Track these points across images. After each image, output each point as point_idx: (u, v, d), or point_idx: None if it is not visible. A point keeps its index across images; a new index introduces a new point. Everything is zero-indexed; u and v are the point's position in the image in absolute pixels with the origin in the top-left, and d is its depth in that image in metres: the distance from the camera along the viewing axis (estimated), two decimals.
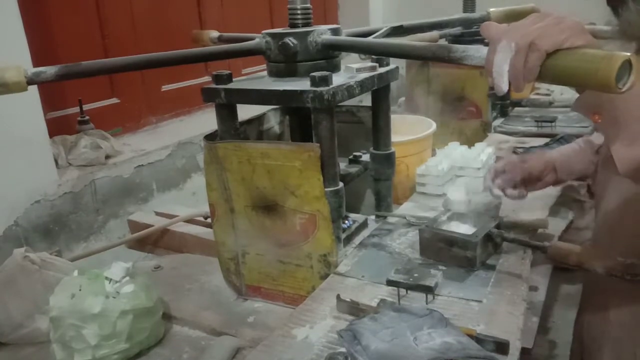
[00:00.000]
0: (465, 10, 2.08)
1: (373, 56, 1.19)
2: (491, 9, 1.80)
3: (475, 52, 0.80)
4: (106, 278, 1.03)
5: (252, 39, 1.19)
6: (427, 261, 1.10)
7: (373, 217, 1.32)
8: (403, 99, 2.28)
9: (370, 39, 1.14)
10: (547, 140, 1.83)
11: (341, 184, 1.07)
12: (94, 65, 1.05)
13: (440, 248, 1.08)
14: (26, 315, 1.12)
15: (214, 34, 1.59)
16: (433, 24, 1.64)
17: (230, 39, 1.53)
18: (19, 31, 1.46)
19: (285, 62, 1.11)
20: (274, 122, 1.38)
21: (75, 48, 1.83)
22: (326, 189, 1.03)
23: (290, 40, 1.08)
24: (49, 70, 0.99)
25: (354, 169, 1.25)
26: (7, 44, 1.43)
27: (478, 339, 0.81)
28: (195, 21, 2.30)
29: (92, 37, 1.91)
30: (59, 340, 0.99)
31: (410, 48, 0.95)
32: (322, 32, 1.10)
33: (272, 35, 1.11)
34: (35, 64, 1.04)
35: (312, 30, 1.09)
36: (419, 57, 0.97)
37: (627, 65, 0.64)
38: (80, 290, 1.01)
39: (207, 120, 2.21)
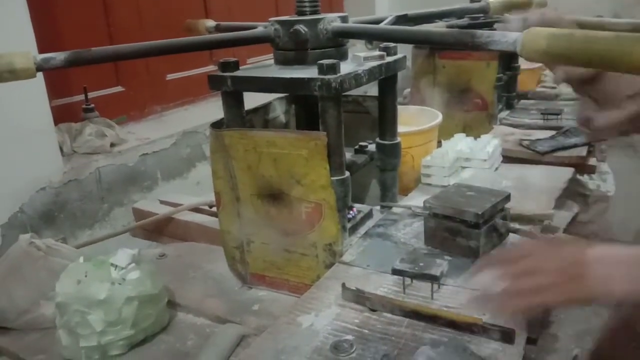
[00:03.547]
0: (472, 0, 2.07)
1: (380, 45, 1.18)
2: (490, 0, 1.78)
3: (501, 37, 0.80)
4: (112, 265, 1.03)
5: (252, 27, 1.18)
6: (432, 251, 1.10)
7: (378, 207, 1.32)
8: (409, 90, 2.27)
9: (387, 26, 1.14)
10: (553, 132, 1.82)
11: (347, 173, 1.07)
12: (104, 51, 1.04)
13: (445, 237, 1.08)
14: (31, 301, 1.12)
15: (210, 23, 1.55)
16: (435, 13, 1.63)
17: (229, 28, 1.50)
18: (25, 19, 1.46)
19: (293, 49, 1.11)
20: (279, 111, 1.37)
21: (81, 36, 1.82)
22: (332, 178, 1.02)
23: (302, 28, 1.07)
24: (58, 57, 0.98)
25: (359, 158, 1.24)
26: (13, 32, 1.43)
27: (484, 328, 0.82)
28: (200, 9, 2.29)
29: (98, 25, 1.91)
30: (65, 326, 1.00)
31: (433, 34, 0.95)
32: (332, 20, 1.10)
33: (282, 22, 1.10)
34: (41, 52, 1.05)
35: (322, 18, 1.09)
36: (441, 43, 0.97)
37: None
38: (86, 276, 1.01)
39: (211, 109, 2.21)
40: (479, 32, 0.82)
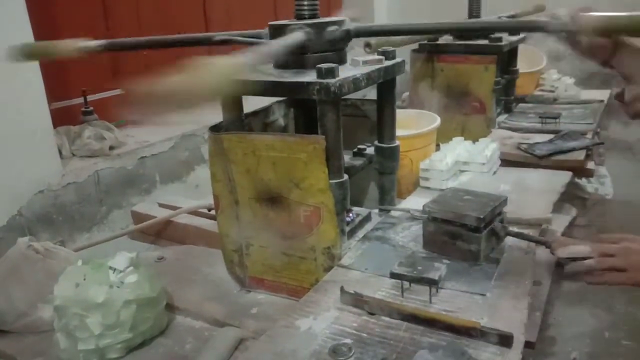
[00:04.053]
0: (470, 14, 2.08)
1: (379, 49, 1.19)
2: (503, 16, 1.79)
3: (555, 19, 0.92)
4: (110, 268, 1.03)
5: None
6: (430, 255, 1.10)
7: (377, 210, 1.32)
8: (407, 93, 2.27)
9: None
10: (551, 136, 1.82)
11: (346, 176, 1.07)
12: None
13: (444, 241, 1.08)
14: (29, 304, 1.12)
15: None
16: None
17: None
18: (24, 21, 1.46)
19: (292, 54, 1.11)
20: (278, 114, 1.38)
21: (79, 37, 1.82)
22: (331, 181, 1.03)
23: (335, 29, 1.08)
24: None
25: (358, 161, 1.24)
26: (12, 33, 1.43)
27: (482, 332, 0.82)
28: (199, 13, 2.29)
29: (97, 28, 1.90)
30: (63, 329, 1.00)
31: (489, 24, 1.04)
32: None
33: (278, 27, 1.10)
34: None
35: (323, 22, 1.09)
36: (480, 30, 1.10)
37: None
38: (84, 279, 1.01)
39: (210, 113, 2.20)
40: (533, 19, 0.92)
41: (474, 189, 1.30)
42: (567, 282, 2.23)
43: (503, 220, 1.11)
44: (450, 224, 1.07)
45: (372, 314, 0.92)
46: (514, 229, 1.14)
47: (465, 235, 1.05)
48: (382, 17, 3.26)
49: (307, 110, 1.29)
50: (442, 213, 1.08)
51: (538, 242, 1.09)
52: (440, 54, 2.01)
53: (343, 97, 1.04)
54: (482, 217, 1.03)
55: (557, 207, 1.39)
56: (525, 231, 1.17)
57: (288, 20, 1.12)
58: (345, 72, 1.05)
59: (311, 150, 1.01)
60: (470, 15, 2.09)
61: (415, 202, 1.38)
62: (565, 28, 0.91)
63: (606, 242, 0.97)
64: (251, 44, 1.09)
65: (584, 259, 0.98)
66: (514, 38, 2.02)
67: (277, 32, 1.10)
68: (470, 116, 1.99)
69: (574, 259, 0.99)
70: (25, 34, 1.45)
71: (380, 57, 1.16)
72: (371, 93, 1.27)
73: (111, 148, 1.77)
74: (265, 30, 1.13)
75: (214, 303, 1.14)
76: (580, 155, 1.67)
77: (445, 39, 2.05)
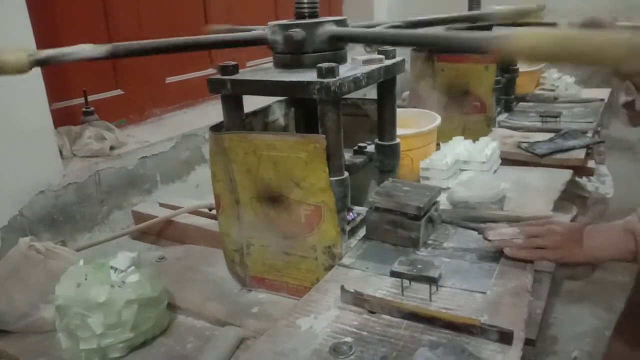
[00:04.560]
0: (470, 8, 2.08)
1: (379, 48, 1.19)
2: (497, 7, 1.79)
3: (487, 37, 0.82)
4: (112, 267, 1.03)
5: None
6: (431, 253, 1.10)
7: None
8: (407, 93, 2.27)
9: (374, 29, 1.14)
10: (551, 135, 1.83)
11: (346, 174, 1.07)
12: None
13: (386, 229, 1.14)
14: (31, 304, 1.12)
15: (224, 27, 1.57)
16: (439, 19, 1.63)
17: (243, 30, 1.52)
18: (24, 21, 1.46)
19: (291, 53, 1.11)
20: (279, 114, 1.38)
21: (80, 39, 1.82)
22: (331, 179, 1.03)
23: (295, 32, 1.07)
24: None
25: (358, 159, 1.25)
26: (13, 34, 1.43)
27: (482, 329, 0.82)
28: (199, 13, 2.30)
29: (97, 28, 1.91)
30: (65, 329, 1.00)
31: (419, 36, 0.97)
32: (329, 24, 1.10)
33: (280, 26, 1.10)
34: None
35: (319, 22, 1.09)
36: (426, 45, 1.03)
37: None
38: (85, 279, 1.01)
39: (211, 112, 2.21)
40: (462, 34, 0.84)
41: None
42: (568, 282, 2.24)
43: (437, 209, 1.17)
44: (392, 213, 1.12)
45: (372, 312, 0.92)
46: (449, 216, 1.22)
47: (406, 223, 1.11)
48: (382, 13, 3.26)
49: (307, 110, 1.29)
50: (385, 203, 1.13)
51: (471, 229, 1.14)
52: (440, 53, 2.01)
53: (343, 97, 1.04)
54: (421, 206, 1.09)
55: (558, 205, 1.39)
56: (476, 225, 1.19)
57: (288, 20, 1.12)
58: (346, 71, 1.06)
59: (312, 149, 1.01)
60: (470, 8, 2.08)
61: None
62: (499, 48, 0.81)
63: (533, 225, 1.06)
64: (256, 43, 1.10)
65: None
66: None
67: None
68: (470, 115, 1.99)
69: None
70: (26, 35, 1.46)
71: (381, 56, 1.16)
72: (371, 92, 1.27)
73: (112, 148, 1.78)
74: (267, 30, 1.13)
75: (215, 302, 1.14)
76: (580, 154, 1.68)
77: None
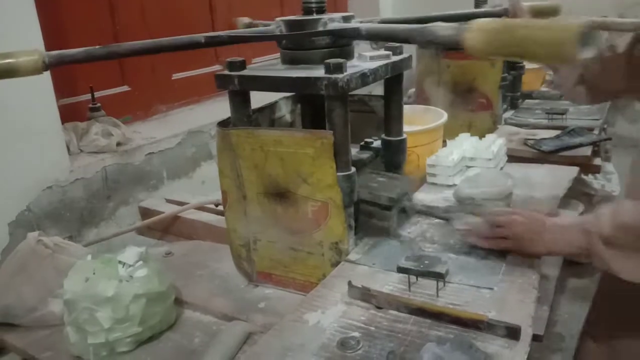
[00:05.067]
0: (476, 5, 2.07)
1: (386, 44, 1.19)
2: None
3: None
4: (120, 262, 1.04)
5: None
6: (438, 249, 1.10)
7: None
8: (413, 90, 2.27)
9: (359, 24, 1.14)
10: (557, 132, 1.82)
11: (353, 169, 1.07)
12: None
13: (363, 220, 1.15)
14: (39, 298, 1.13)
15: (246, 20, 1.58)
16: (445, 16, 1.62)
17: (260, 26, 1.52)
18: (32, 18, 1.47)
19: (298, 49, 1.12)
20: (285, 110, 1.38)
21: (86, 35, 1.83)
22: (338, 174, 1.03)
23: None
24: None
25: (365, 155, 1.25)
26: (21, 30, 1.44)
27: (489, 325, 0.82)
28: (205, 8, 2.30)
29: (103, 24, 1.91)
30: (73, 323, 1.01)
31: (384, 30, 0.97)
32: (335, 19, 1.10)
33: (288, 22, 1.11)
34: (48, 50, 1.08)
35: (320, 19, 1.09)
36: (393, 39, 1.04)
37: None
38: (94, 274, 1.02)
39: (217, 109, 2.21)
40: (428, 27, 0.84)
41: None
42: (574, 279, 2.23)
43: (410, 199, 1.20)
44: (367, 203, 1.13)
45: (379, 308, 0.93)
46: (422, 207, 1.26)
47: (379, 213, 1.13)
48: (387, 9, 3.25)
49: (313, 106, 1.29)
50: (360, 194, 1.13)
51: (441, 218, 1.20)
52: (446, 50, 2.01)
53: (350, 93, 1.04)
54: (393, 196, 1.11)
55: (564, 203, 1.40)
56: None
57: (296, 16, 1.12)
58: (353, 67, 1.06)
59: (319, 145, 1.01)
60: (476, 4, 2.08)
61: (422, 198, 1.39)
62: (454, 39, 0.81)
63: (497, 215, 1.10)
64: (263, 39, 1.09)
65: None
66: None
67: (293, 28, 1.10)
68: (476, 112, 1.99)
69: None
70: (34, 31, 1.46)
71: (388, 52, 1.16)
72: (376, 89, 1.27)
73: (118, 144, 1.78)
74: (275, 25, 1.13)
75: (221, 298, 1.15)
76: (586, 151, 1.67)
77: None
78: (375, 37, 1.04)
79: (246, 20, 1.53)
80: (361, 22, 1.18)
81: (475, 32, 0.76)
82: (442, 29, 0.82)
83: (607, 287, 1.25)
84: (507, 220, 1.07)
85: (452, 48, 1.04)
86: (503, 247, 1.06)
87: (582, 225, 0.99)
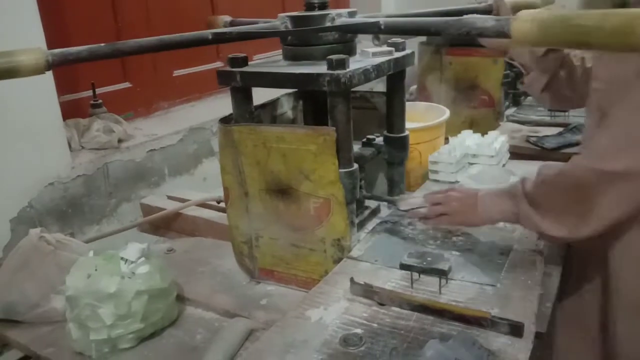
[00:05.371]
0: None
1: (389, 40, 1.19)
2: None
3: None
4: (122, 258, 1.04)
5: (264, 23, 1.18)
6: (441, 246, 1.10)
7: (386, 203, 1.32)
8: (414, 87, 2.27)
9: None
10: (560, 129, 1.82)
11: (356, 166, 1.07)
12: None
13: None
14: (42, 294, 1.13)
15: (227, 18, 1.57)
16: (438, 12, 1.61)
17: (242, 24, 1.51)
18: (35, 16, 1.46)
19: (301, 45, 1.11)
20: (287, 107, 1.38)
21: (89, 33, 1.83)
22: (340, 170, 1.03)
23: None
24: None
25: (367, 151, 1.24)
26: (24, 29, 1.44)
27: (492, 322, 0.82)
28: (207, 6, 2.29)
29: (106, 23, 1.91)
30: (75, 320, 1.01)
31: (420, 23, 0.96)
32: (340, 15, 1.10)
33: (292, 18, 1.10)
34: (50, 48, 1.07)
35: (328, 14, 1.09)
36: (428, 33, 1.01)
37: None
38: (96, 270, 1.02)
39: (218, 106, 2.21)
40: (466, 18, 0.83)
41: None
42: None
43: (362, 187, 1.20)
44: None
45: (382, 304, 0.92)
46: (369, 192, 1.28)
47: None
48: (389, 5, 3.24)
49: (316, 103, 1.29)
50: None
51: (386, 202, 1.25)
52: (448, 47, 2.00)
53: (352, 89, 1.04)
54: None
55: None
56: None
57: (302, 12, 1.12)
58: (355, 63, 1.05)
59: (321, 142, 1.01)
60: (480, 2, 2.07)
61: (424, 194, 1.38)
62: (499, 30, 0.80)
63: (436, 193, 1.15)
64: (266, 36, 1.09)
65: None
66: None
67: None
68: (478, 109, 1.99)
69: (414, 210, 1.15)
70: (36, 29, 1.46)
71: (390, 48, 1.15)
72: (378, 86, 1.27)
73: (120, 141, 1.78)
74: (279, 21, 1.12)
75: (223, 294, 1.15)
76: None
77: None
78: (398, 31, 1.03)
79: (227, 18, 1.52)
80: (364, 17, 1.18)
81: (528, 22, 0.75)
82: (481, 20, 0.82)
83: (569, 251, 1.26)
84: (444, 197, 1.11)
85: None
86: (444, 223, 1.11)
87: (510, 190, 1.04)
